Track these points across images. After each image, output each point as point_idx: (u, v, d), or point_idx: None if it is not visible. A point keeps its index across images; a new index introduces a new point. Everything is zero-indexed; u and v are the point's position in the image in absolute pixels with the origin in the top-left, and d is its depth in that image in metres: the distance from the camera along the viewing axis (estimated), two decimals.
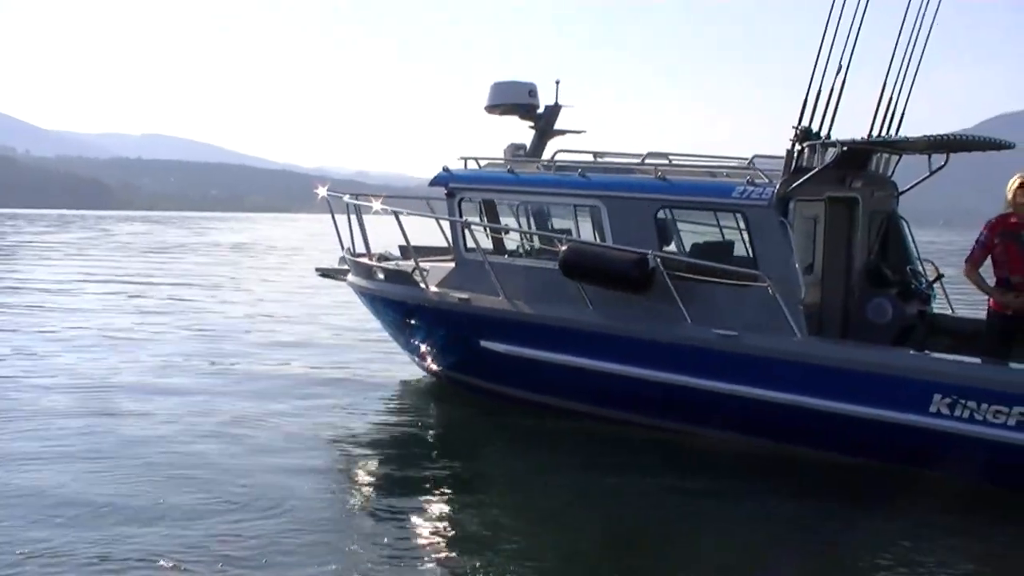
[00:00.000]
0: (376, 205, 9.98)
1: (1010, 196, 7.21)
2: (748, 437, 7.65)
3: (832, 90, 7.86)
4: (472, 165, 9.57)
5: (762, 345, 7.40)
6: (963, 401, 6.67)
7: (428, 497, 6.80)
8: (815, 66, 7.74)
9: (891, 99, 8.53)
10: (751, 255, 7.75)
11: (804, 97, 7.77)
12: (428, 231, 10.83)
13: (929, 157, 8.75)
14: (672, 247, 8.66)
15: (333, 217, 10.54)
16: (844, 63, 7.83)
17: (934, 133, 7.57)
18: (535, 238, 9.17)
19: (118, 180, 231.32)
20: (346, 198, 10.30)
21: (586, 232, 8.88)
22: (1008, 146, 8.36)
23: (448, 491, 6.96)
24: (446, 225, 9.82)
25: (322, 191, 10.48)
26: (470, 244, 9.17)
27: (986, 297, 7.53)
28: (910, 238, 9.00)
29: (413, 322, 9.77)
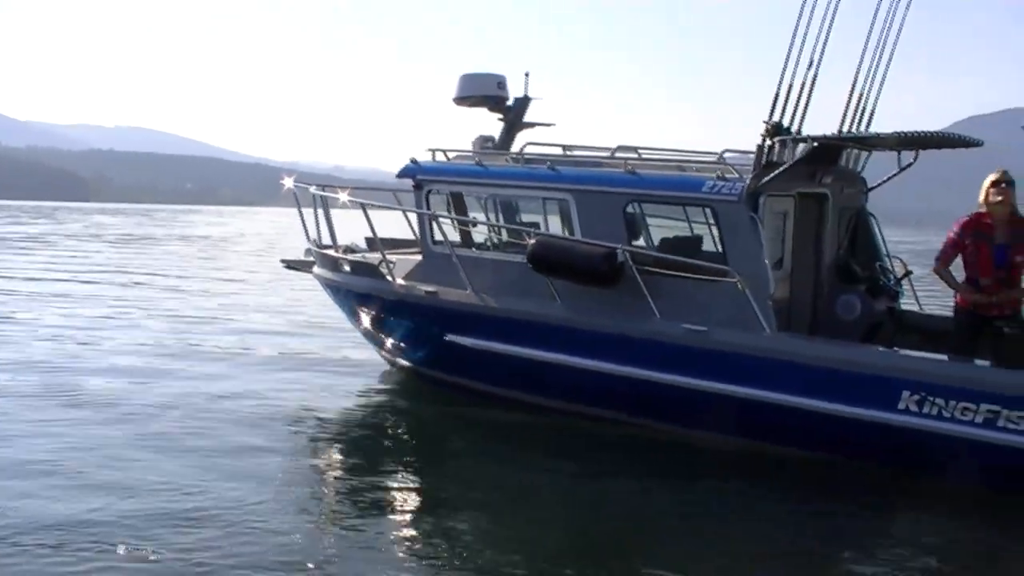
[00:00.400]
0: (343, 197, 9.72)
1: (983, 196, 7.12)
2: (717, 433, 7.52)
3: (803, 85, 7.73)
4: (440, 157, 9.35)
5: (731, 340, 7.25)
6: (931, 398, 6.57)
7: (392, 493, 6.61)
8: (786, 61, 7.63)
9: (861, 96, 8.47)
10: (721, 250, 7.62)
11: (775, 92, 7.67)
12: (398, 225, 10.58)
13: (899, 155, 8.69)
14: (641, 241, 8.49)
15: (299, 209, 10.31)
16: (815, 58, 7.73)
17: (901, 131, 7.47)
18: (503, 231, 8.99)
19: (92, 172, 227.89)
20: (312, 189, 10.06)
21: (555, 226, 8.70)
22: (976, 144, 8.32)
23: (413, 488, 6.79)
24: (413, 218, 9.58)
25: (288, 182, 10.22)
26: (437, 237, 8.98)
27: (953, 295, 7.45)
28: (879, 235, 8.94)
29: (379, 314, 9.55)
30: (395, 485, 6.78)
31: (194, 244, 39.18)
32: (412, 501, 6.53)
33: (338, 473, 7.14)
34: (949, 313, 7.80)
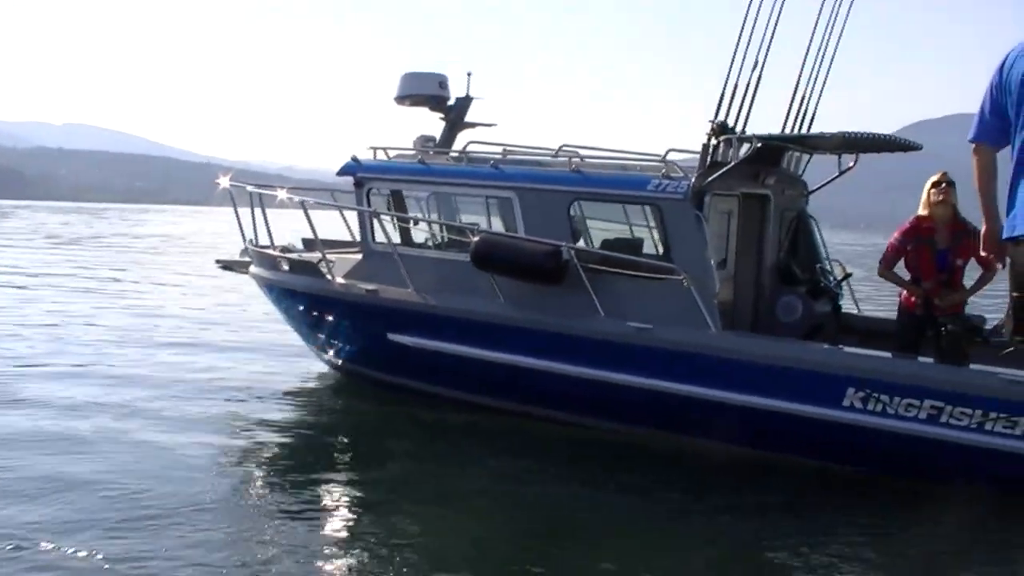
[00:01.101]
0: (281, 195, 9.28)
1: (924, 197, 7.07)
2: (665, 431, 7.32)
3: (748, 86, 7.58)
4: (381, 156, 9.03)
5: (677, 338, 7.05)
6: (876, 395, 6.48)
7: (330, 495, 6.25)
8: (732, 61, 7.48)
9: (804, 98, 8.37)
10: (666, 248, 7.40)
11: (720, 91, 7.53)
12: (336, 227, 10.16)
13: (839, 158, 8.62)
14: (588, 238, 8.26)
15: (235, 208, 9.86)
16: (760, 59, 7.59)
17: (846, 131, 7.38)
18: (445, 229, 8.69)
19: (38, 170, 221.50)
20: (249, 188, 9.63)
21: (497, 224, 8.45)
22: (916, 147, 8.34)
23: (351, 490, 6.43)
24: (352, 218, 9.22)
25: (224, 181, 9.74)
26: (378, 235, 8.63)
27: (896, 296, 7.39)
28: (819, 237, 8.85)
29: (318, 314, 9.16)
30: (333, 488, 6.44)
31: (139, 244, 38.05)
32: (349, 503, 6.19)
33: (274, 477, 6.74)
34: (887, 314, 7.72)
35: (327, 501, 6.11)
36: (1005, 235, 5.12)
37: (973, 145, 4.45)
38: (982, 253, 5.50)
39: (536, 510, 6.17)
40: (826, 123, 8.55)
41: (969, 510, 6.13)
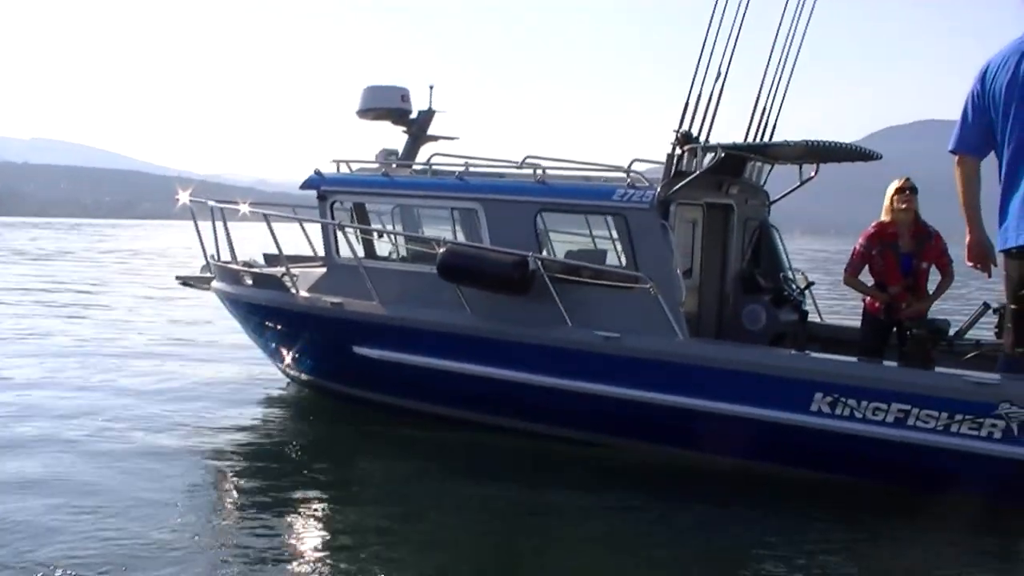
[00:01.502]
0: (243, 209, 9.05)
1: (887, 203, 7.09)
2: (635, 440, 7.22)
3: (711, 96, 7.53)
4: (344, 169, 8.86)
5: (646, 347, 6.98)
6: (844, 400, 6.43)
7: (292, 513, 6.04)
8: (696, 71, 7.43)
9: (765, 108, 8.34)
10: (632, 258, 7.31)
11: (685, 101, 7.46)
12: (296, 242, 9.93)
13: (800, 167, 8.61)
14: (551, 250, 8.15)
15: (195, 223, 9.59)
16: (723, 70, 7.54)
17: (809, 139, 7.37)
18: (409, 241, 8.54)
19: (4, 186, 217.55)
20: (210, 203, 9.38)
21: (463, 236, 8.31)
22: (876, 157, 8.33)
23: (314, 508, 6.21)
24: (313, 232, 9.03)
25: (183, 196, 9.47)
26: (343, 248, 8.45)
27: (862, 299, 7.41)
28: (781, 246, 8.83)
29: (283, 328, 8.95)
30: (295, 505, 6.22)
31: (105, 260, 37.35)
32: (312, 521, 5.97)
33: (235, 496, 6.52)
34: (849, 323, 7.70)
35: (287, 521, 5.87)
36: (999, 247, 5.06)
37: (956, 156, 4.36)
38: (967, 263, 5.48)
39: (507, 525, 6.00)
40: (793, 131, 8.58)
41: (961, 516, 6.02)
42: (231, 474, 6.95)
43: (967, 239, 4.60)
